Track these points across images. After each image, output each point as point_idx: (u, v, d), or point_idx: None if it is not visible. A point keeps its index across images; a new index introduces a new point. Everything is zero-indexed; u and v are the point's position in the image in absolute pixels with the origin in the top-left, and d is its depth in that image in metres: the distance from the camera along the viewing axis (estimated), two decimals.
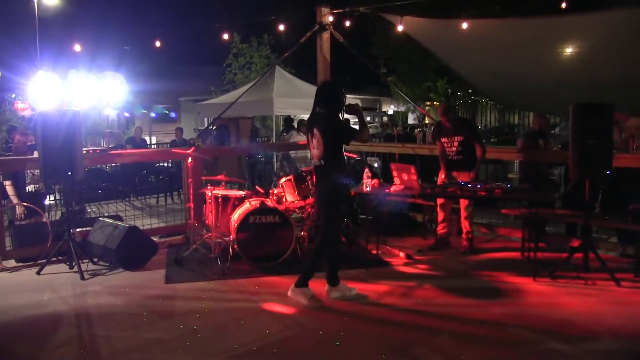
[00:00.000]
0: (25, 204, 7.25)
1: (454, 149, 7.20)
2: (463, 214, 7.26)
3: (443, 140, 7.30)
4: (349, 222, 8.26)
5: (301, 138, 11.71)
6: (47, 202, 8.08)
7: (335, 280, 5.52)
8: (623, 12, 6.81)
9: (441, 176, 7.34)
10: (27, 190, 7.57)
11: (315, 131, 5.31)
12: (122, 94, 8.80)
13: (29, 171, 7.50)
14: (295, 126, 13.57)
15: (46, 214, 7.60)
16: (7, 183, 7.21)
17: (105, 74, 8.34)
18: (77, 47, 9.41)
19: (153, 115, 29.95)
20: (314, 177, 5.69)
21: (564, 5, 7.64)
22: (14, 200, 7.28)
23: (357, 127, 5.58)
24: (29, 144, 7.84)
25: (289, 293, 5.40)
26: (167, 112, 27.69)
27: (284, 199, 7.16)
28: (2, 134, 16.54)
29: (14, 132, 9.62)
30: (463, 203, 7.22)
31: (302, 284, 5.37)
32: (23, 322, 5.09)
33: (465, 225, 7.26)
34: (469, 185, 6.54)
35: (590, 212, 6.36)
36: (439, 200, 7.36)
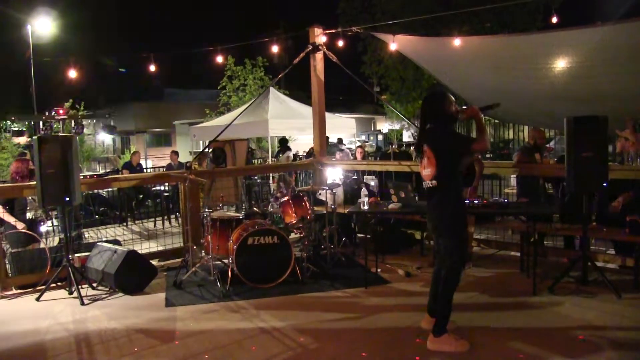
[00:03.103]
0: (24, 230, 7.23)
1: None
2: None
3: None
4: (347, 241, 8.27)
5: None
6: (44, 228, 8.03)
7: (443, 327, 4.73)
8: (611, 27, 6.90)
9: None
10: (27, 217, 7.56)
11: (425, 148, 4.75)
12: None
13: (30, 197, 7.50)
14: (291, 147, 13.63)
15: (44, 240, 7.58)
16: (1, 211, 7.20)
17: None
18: (72, 73, 9.44)
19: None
20: (427, 201, 4.92)
21: (554, 20, 7.73)
22: (12, 223, 7.25)
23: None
24: (31, 168, 7.85)
25: (429, 345, 4.68)
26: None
27: (281, 220, 7.17)
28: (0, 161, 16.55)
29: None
30: None
31: (440, 331, 4.69)
32: (24, 349, 5.06)
33: None
34: (467, 202, 6.55)
35: (588, 224, 6.38)
36: None
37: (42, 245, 7.19)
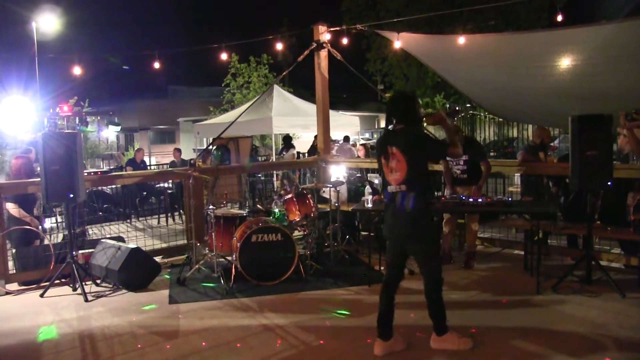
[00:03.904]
0: (28, 227, 7.24)
1: (460, 167, 7.24)
2: (468, 228, 7.26)
3: (448, 158, 7.34)
4: (350, 239, 8.27)
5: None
6: (47, 224, 8.04)
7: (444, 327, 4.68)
8: (617, 25, 6.88)
9: (447, 193, 7.37)
10: (35, 214, 7.57)
11: (395, 150, 4.45)
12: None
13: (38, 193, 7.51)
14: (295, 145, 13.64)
15: (48, 236, 7.59)
16: (11, 206, 7.20)
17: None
18: (77, 70, 9.45)
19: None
20: (390, 206, 4.63)
21: (559, 18, 7.70)
22: (28, 221, 7.25)
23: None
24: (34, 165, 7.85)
25: (432, 344, 4.64)
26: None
27: (285, 217, 7.17)
28: (4, 157, 16.56)
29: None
30: (469, 218, 7.24)
31: (442, 329, 4.63)
32: (27, 345, 5.08)
33: (468, 239, 7.27)
34: (471, 200, 6.56)
35: (592, 223, 6.37)
36: (445, 216, 7.37)
37: (46, 242, 7.20)
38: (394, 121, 4.58)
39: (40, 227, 7.36)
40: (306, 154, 17.23)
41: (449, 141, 4.52)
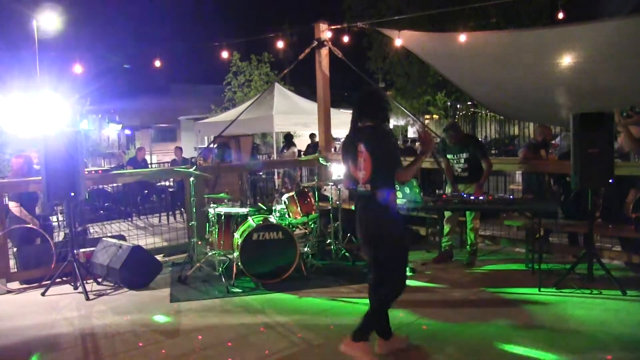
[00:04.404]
0: (30, 225, 7.24)
1: (461, 165, 7.23)
2: (469, 226, 7.26)
3: (449, 157, 7.34)
4: (351, 236, 8.26)
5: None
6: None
7: (365, 335, 4.38)
8: (618, 22, 6.87)
9: (448, 191, 7.36)
10: (37, 213, 7.57)
11: (362, 148, 4.29)
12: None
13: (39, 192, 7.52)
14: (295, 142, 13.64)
15: (55, 234, 7.59)
16: (13, 205, 7.21)
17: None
18: (78, 68, 9.45)
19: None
20: (358, 207, 4.54)
21: (561, 16, 7.69)
22: (27, 220, 7.26)
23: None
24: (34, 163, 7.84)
25: (342, 347, 4.34)
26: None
27: (286, 215, 7.17)
28: (5, 156, 16.56)
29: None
30: (470, 216, 7.23)
31: (362, 337, 4.33)
32: (29, 344, 5.08)
33: (470, 237, 7.26)
34: (472, 198, 6.56)
35: (593, 221, 6.36)
36: (446, 214, 7.37)
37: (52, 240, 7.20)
38: (362, 118, 4.41)
39: (39, 226, 7.33)
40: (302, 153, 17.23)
41: (407, 167, 4.30)
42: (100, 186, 12.44)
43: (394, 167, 4.26)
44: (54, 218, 10.78)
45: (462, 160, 7.22)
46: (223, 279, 6.50)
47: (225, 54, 9.95)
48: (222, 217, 6.86)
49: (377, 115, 4.38)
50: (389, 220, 4.31)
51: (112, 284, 6.74)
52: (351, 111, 4.52)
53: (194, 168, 7.40)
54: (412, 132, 30.69)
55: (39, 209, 7.60)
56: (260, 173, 13.76)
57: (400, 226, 4.43)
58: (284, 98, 16.23)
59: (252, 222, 6.73)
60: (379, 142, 4.29)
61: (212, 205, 7.05)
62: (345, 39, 9.42)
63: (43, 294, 6.47)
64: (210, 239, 7.13)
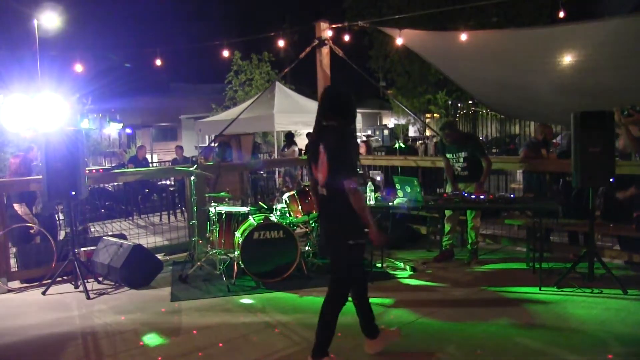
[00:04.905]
0: (30, 224, 7.25)
1: (460, 164, 7.23)
2: (470, 225, 7.26)
3: (448, 156, 7.35)
4: None
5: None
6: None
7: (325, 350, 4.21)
8: (618, 21, 6.87)
9: (449, 190, 7.36)
10: (35, 212, 7.57)
11: (322, 149, 4.06)
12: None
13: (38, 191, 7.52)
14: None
15: (60, 232, 7.59)
16: (17, 206, 7.23)
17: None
18: (78, 68, 9.46)
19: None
20: (320, 210, 4.41)
21: (561, 14, 7.69)
22: (28, 220, 7.27)
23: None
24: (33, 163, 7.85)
25: None
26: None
27: (287, 214, 7.17)
28: (6, 155, 16.56)
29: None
30: (470, 214, 7.23)
31: (320, 355, 4.18)
32: (30, 343, 5.08)
33: (470, 236, 7.26)
34: (473, 197, 6.56)
35: (594, 220, 6.36)
36: (446, 213, 7.37)
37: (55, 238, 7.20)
38: (326, 117, 4.17)
39: (38, 225, 7.34)
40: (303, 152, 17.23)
41: (356, 196, 3.93)
42: (101, 185, 12.44)
43: (345, 174, 3.91)
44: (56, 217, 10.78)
45: (461, 159, 7.22)
46: (224, 278, 6.50)
47: (226, 53, 9.95)
48: (223, 216, 6.86)
49: (342, 115, 4.15)
50: (345, 226, 4.07)
51: (112, 283, 6.74)
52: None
53: (194, 167, 7.40)
54: (413, 131, 30.71)
55: (36, 208, 7.59)
56: (261, 172, 13.76)
57: (358, 232, 4.11)
58: (284, 97, 16.21)
59: (253, 221, 6.73)
60: (336, 145, 4.00)
61: (213, 204, 7.05)
62: (346, 37, 9.41)
63: (44, 293, 6.47)
64: (211, 238, 7.13)
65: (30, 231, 7.24)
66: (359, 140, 15.99)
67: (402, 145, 11.86)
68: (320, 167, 4.08)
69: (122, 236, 7.91)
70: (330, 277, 4.29)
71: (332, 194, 4.02)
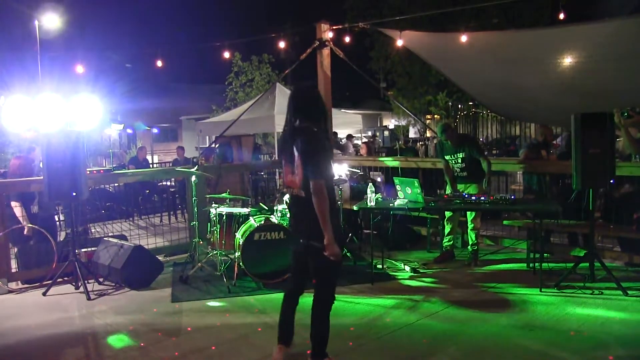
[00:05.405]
0: (31, 225, 7.25)
1: (458, 165, 7.24)
2: (470, 226, 7.26)
3: (446, 157, 7.35)
4: (353, 237, 8.27)
5: None
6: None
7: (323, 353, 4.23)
8: (618, 22, 6.88)
9: (449, 191, 7.37)
10: (32, 212, 7.57)
11: (295, 150, 4.02)
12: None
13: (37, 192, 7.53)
14: None
15: (60, 233, 7.60)
16: (15, 204, 7.23)
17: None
18: (80, 68, 9.47)
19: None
20: (291, 213, 4.40)
21: (562, 16, 7.69)
22: (20, 219, 7.28)
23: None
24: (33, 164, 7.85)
25: None
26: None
27: (288, 215, 7.16)
28: (7, 156, 16.58)
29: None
30: (471, 216, 7.24)
31: (322, 355, 4.21)
32: (30, 343, 5.09)
33: (471, 237, 7.27)
34: (473, 198, 6.57)
35: (594, 221, 6.36)
36: (447, 214, 7.37)
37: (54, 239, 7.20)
38: (299, 118, 4.09)
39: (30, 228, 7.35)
40: None
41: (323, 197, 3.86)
42: (102, 186, 12.44)
43: (313, 175, 3.87)
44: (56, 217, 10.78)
45: (460, 160, 7.22)
46: (224, 279, 6.51)
47: (227, 54, 9.96)
48: (224, 217, 6.87)
49: (313, 115, 4.08)
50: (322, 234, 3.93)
51: (113, 284, 6.75)
52: (287, 109, 4.18)
53: (195, 168, 7.41)
54: (413, 132, 30.71)
55: (33, 209, 7.59)
56: (262, 173, 13.76)
57: (338, 230, 4.09)
58: (285, 98, 16.14)
59: (253, 222, 6.73)
60: (307, 147, 3.95)
61: (213, 205, 7.06)
62: (347, 39, 9.43)
63: (44, 294, 6.48)
64: (211, 239, 7.13)
65: (24, 232, 7.25)
66: (360, 142, 15.96)
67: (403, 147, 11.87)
68: (296, 169, 4.04)
69: (122, 237, 7.91)
70: (315, 280, 4.22)
71: (310, 196, 3.93)
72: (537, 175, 8.05)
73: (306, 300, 5.95)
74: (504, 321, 5.19)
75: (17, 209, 7.22)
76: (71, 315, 5.77)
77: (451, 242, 7.44)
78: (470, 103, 22.10)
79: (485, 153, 7.49)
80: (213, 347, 4.80)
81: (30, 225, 7.22)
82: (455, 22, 18.11)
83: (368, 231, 8.81)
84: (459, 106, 24.18)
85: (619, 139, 7.06)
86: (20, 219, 7.26)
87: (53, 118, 7.72)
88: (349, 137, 19.05)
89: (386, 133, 33.62)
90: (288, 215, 6.50)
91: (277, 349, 4.39)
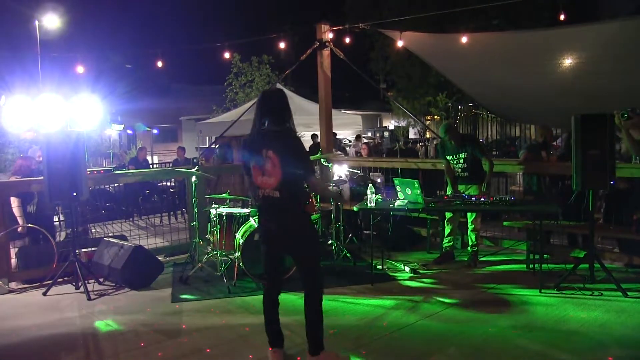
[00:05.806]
0: (31, 225, 7.26)
1: (460, 165, 7.23)
2: (470, 227, 7.26)
3: (448, 158, 7.35)
4: (353, 237, 8.28)
5: None
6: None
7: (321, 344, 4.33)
8: (618, 24, 6.89)
9: (449, 192, 7.37)
10: (28, 211, 7.58)
11: (270, 153, 4.07)
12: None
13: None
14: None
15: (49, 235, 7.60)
16: (15, 204, 7.24)
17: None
18: (80, 69, 9.48)
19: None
20: (264, 213, 4.40)
21: (562, 17, 7.71)
22: (20, 220, 7.29)
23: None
24: (33, 167, 7.86)
25: None
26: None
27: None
28: (6, 156, 16.57)
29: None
30: (471, 217, 7.24)
31: (320, 348, 4.31)
32: (31, 343, 5.09)
33: (471, 238, 7.27)
34: (473, 199, 6.57)
35: (594, 222, 6.36)
36: (447, 215, 7.37)
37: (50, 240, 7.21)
38: (267, 121, 4.18)
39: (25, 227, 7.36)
40: None
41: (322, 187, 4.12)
42: (102, 186, 12.44)
43: (306, 175, 4.11)
44: (55, 217, 10.78)
45: (461, 160, 7.21)
46: (224, 280, 6.51)
47: (226, 55, 9.97)
48: (224, 218, 6.87)
49: (284, 117, 4.20)
50: (307, 223, 4.23)
51: (113, 284, 6.75)
52: (255, 111, 4.28)
53: (196, 168, 7.41)
54: (413, 133, 30.71)
55: (30, 208, 7.60)
56: None
57: (315, 233, 4.27)
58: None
59: (253, 222, 6.73)
60: (289, 147, 4.09)
61: (213, 205, 7.06)
62: (347, 39, 9.44)
63: (44, 294, 6.48)
64: (211, 239, 7.13)
65: (18, 229, 7.25)
66: (361, 143, 15.97)
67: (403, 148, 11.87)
68: (271, 171, 4.09)
69: (122, 237, 7.92)
70: (303, 278, 4.34)
71: (289, 194, 4.09)
72: (537, 176, 8.05)
73: (290, 298, 5.96)
74: (503, 322, 5.19)
75: (16, 208, 7.23)
76: (71, 316, 5.77)
77: (451, 243, 7.44)
78: (470, 104, 22.08)
79: (487, 154, 7.49)
80: (213, 348, 4.80)
81: (30, 225, 7.23)
82: (455, 23, 18.13)
83: (368, 232, 8.81)
84: (459, 107, 24.18)
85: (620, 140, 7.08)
86: (19, 219, 7.27)
87: (53, 118, 7.74)
88: (358, 137, 19.12)
89: (386, 134, 33.65)
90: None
91: (270, 353, 4.43)
